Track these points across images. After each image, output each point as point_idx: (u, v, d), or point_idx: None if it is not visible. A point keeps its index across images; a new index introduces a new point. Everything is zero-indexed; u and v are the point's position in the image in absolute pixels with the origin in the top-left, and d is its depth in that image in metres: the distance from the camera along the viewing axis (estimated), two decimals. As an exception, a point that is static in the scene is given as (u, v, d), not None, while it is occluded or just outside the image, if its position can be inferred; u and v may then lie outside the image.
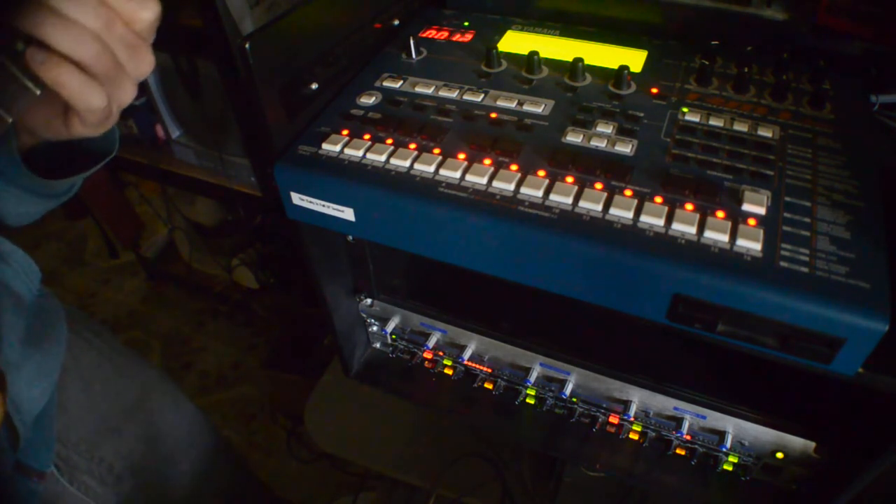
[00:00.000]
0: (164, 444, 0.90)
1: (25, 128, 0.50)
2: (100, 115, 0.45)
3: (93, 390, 0.80)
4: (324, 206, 0.60)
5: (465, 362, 0.78)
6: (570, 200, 0.52)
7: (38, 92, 0.41)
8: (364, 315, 0.83)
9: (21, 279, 0.65)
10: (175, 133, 1.23)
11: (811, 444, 0.63)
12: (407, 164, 0.57)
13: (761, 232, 0.48)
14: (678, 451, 0.71)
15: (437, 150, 0.58)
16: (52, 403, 0.70)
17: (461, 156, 0.57)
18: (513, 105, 0.63)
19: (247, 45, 0.54)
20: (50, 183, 0.56)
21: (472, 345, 0.77)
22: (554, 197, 0.53)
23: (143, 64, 0.45)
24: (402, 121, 0.61)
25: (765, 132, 0.58)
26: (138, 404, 0.86)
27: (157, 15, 0.43)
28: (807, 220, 0.50)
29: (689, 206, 0.51)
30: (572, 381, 0.73)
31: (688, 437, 0.69)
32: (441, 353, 0.80)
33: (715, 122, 0.59)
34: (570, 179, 0.54)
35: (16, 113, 0.40)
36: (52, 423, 0.70)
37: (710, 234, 0.48)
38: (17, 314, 0.63)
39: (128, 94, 0.46)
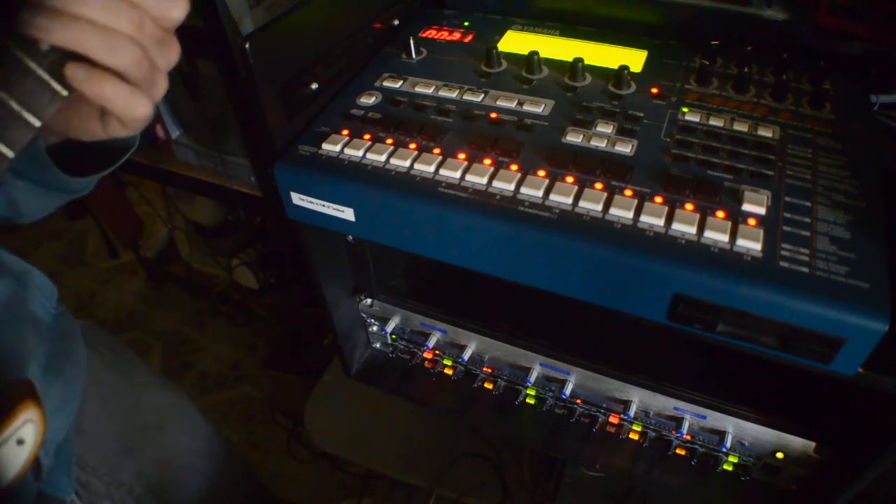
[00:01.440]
0: (180, 461, 0.88)
1: (54, 130, 0.49)
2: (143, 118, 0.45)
3: (112, 411, 0.78)
4: (324, 206, 0.60)
5: (466, 362, 0.78)
6: (570, 200, 0.52)
7: (66, 94, 0.39)
8: (364, 315, 0.83)
9: (39, 300, 0.62)
10: (175, 133, 1.23)
11: (811, 444, 0.63)
12: (407, 164, 0.57)
13: (761, 232, 0.48)
14: (678, 451, 0.71)
15: (437, 150, 0.58)
16: (71, 428, 0.67)
17: (461, 156, 0.57)
18: (513, 105, 0.63)
19: (247, 45, 0.54)
20: (77, 180, 0.55)
21: (472, 345, 0.77)
22: (554, 197, 0.53)
23: (172, 55, 0.44)
24: (402, 121, 0.61)
25: (765, 132, 0.58)
26: (157, 422, 0.85)
27: (187, 12, 0.42)
28: (807, 220, 0.50)
29: (689, 206, 0.51)
30: (572, 381, 0.73)
31: (688, 437, 0.69)
32: (441, 353, 0.80)
33: (715, 122, 0.59)
34: (570, 179, 0.54)
35: (45, 117, 0.39)
36: (72, 449, 0.67)
37: (710, 234, 0.48)
38: (38, 340, 0.60)
39: (162, 89, 0.45)
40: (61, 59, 0.38)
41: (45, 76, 0.38)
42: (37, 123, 0.38)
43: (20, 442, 0.46)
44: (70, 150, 0.52)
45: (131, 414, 0.81)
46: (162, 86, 0.45)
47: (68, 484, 0.64)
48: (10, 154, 0.38)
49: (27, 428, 0.47)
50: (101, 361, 0.78)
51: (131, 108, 0.42)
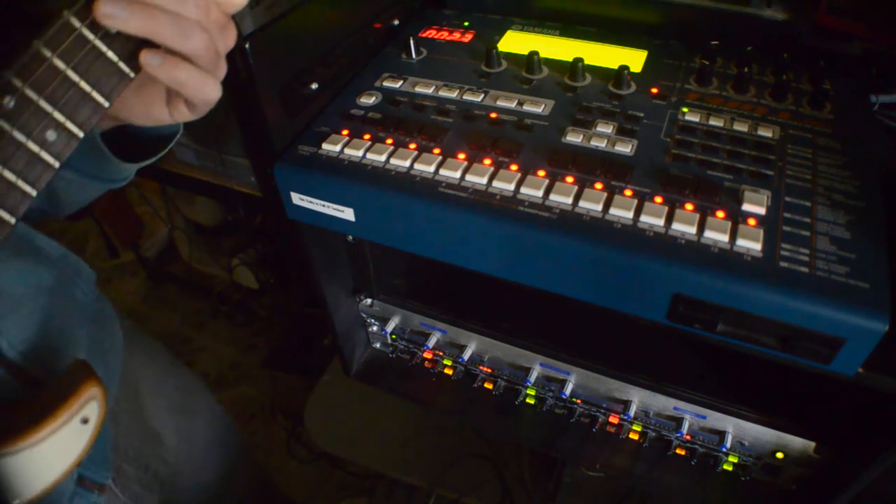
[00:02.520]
0: (199, 447, 0.88)
1: (115, 116, 0.49)
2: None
3: (140, 396, 0.77)
4: (324, 206, 0.60)
5: (465, 362, 0.78)
6: (570, 200, 0.52)
7: (133, 76, 0.40)
8: (364, 315, 0.83)
9: (79, 285, 0.62)
10: (175, 133, 1.23)
11: (811, 444, 0.63)
12: (407, 164, 0.57)
13: (761, 232, 0.48)
14: (678, 451, 0.71)
15: (437, 150, 0.58)
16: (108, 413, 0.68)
17: (461, 156, 0.57)
18: (513, 105, 0.63)
19: (247, 45, 0.54)
20: (126, 166, 0.55)
21: (472, 345, 0.77)
22: (554, 197, 0.53)
23: (231, 39, 0.45)
24: (402, 121, 0.61)
25: (765, 132, 0.58)
26: (180, 407, 0.85)
27: None
28: (807, 220, 0.50)
29: (689, 206, 0.51)
30: (572, 381, 0.73)
31: (688, 437, 0.69)
32: (441, 353, 0.80)
33: (715, 122, 0.59)
34: (570, 179, 0.54)
35: (113, 99, 0.40)
36: (108, 433, 0.67)
37: (710, 234, 0.48)
38: (81, 324, 0.60)
39: (224, 71, 0.45)
40: (128, 40, 0.39)
41: (115, 58, 0.38)
42: (106, 104, 0.39)
43: (84, 420, 0.46)
44: (110, 140, 0.52)
45: (159, 399, 0.81)
46: (224, 68, 0.45)
47: (106, 468, 0.64)
48: (80, 134, 0.38)
49: (91, 406, 0.46)
50: (132, 346, 0.78)
51: (204, 90, 0.43)
